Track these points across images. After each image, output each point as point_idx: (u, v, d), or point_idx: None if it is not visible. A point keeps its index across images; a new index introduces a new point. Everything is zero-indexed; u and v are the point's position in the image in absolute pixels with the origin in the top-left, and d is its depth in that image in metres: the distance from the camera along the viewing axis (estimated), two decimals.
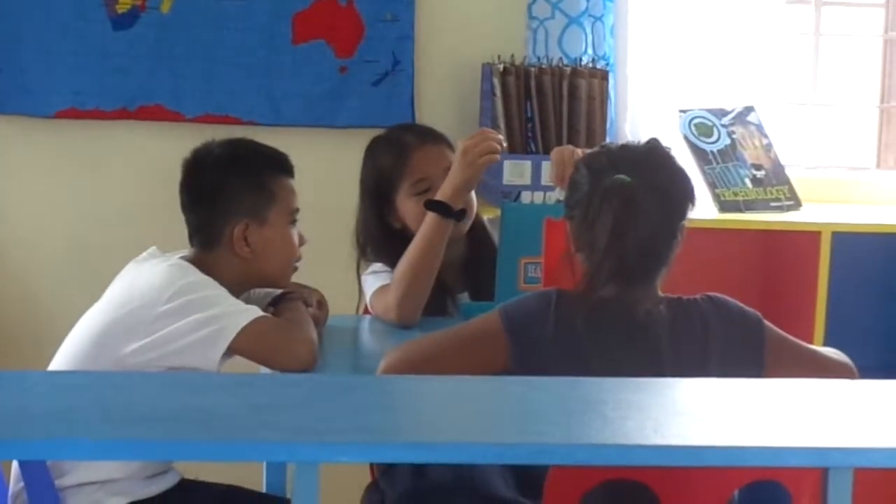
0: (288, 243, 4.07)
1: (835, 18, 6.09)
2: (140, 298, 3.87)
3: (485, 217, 4.72)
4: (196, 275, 3.89)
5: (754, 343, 3.61)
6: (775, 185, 5.67)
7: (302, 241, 4.13)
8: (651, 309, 3.57)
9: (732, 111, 5.75)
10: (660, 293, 3.61)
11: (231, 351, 3.81)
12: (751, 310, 3.66)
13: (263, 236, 4.00)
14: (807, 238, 5.47)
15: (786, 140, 5.85)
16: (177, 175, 5.32)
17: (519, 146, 5.48)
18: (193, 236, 4.06)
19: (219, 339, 3.79)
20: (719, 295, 3.68)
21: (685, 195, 3.67)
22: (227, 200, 4.00)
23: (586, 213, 3.60)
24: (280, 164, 4.11)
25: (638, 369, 3.41)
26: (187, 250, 4.07)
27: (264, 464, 4.29)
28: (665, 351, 3.52)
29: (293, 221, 4.09)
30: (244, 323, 3.81)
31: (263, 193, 4.01)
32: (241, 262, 3.98)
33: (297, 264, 4.15)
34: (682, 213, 3.64)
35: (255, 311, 3.88)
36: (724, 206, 5.55)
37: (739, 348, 3.61)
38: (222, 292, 3.88)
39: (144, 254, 4.07)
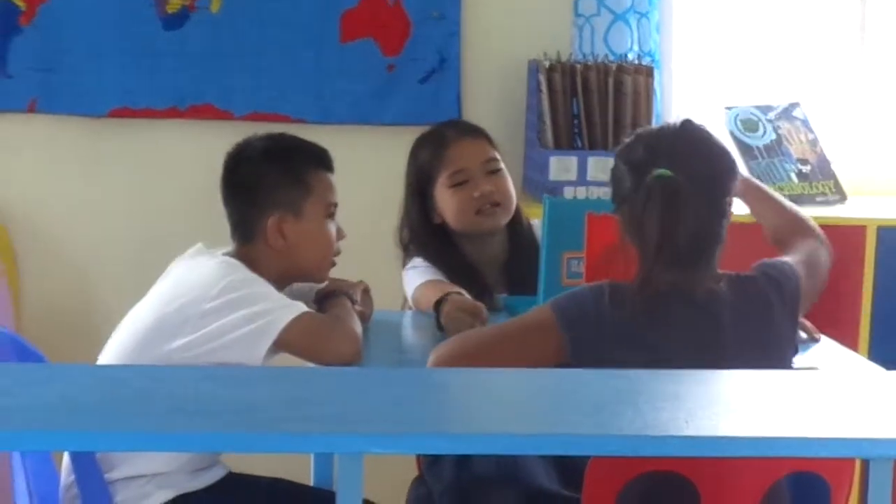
0: (324, 237, 4.07)
1: (881, 10, 6.07)
2: (187, 295, 3.90)
3: (534, 220, 4.73)
4: (242, 271, 3.91)
5: (794, 301, 3.68)
6: (821, 180, 5.67)
7: (340, 236, 4.13)
8: (711, 287, 3.59)
9: (778, 107, 5.75)
10: (718, 270, 3.64)
11: (276, 346, 3.83)
12: (789, 271, 3.73)
13: (299, 229, 4.00)
14: (852, 232, 5.47)
15: (832, 135, 5.85)
16: None
17: (565, 142, 5.48)
18: (233, 230, 4.08)
19: (264, 335, 3.81)
20: (771, 266, 3.74)
21: (727, 173, 3.68)
22: (264, 193, 4.01)
23: (632, 210, 3.61)
24: (318, 159, 4.11)
25: (701, 349, 3.45)
26: (230, 246, 4.09)
27: (312, 457, 4.33)
28: (727, 327, 3.54)
29: (331, 215, 4.09)
30: (289, 318, 3.82)
31: (299, 186, 4.02)
32: (277, 256, 3.98)
33: (337, 259, 4.14)
34: (728, 190, 3.66)
35: (301, 307, 3.89)
36: None
37: (787, 314, 3.66)
38: (268, 289, 3.90)
39: (191, 250, 4.10)
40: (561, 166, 5.43)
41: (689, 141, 3.70)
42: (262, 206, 4.00)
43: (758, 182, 4.12)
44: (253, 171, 4.07)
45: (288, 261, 4.01)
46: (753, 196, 4.07)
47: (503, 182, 4.63)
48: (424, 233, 4.62)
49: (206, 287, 3.87)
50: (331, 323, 3.98)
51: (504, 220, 4.64)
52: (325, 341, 3.88)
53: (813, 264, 3.83)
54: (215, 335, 3.80)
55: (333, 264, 4.15)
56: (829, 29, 6.03)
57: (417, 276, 4.50)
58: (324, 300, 4.14)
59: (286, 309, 3.86)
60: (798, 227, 3.98)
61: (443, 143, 4.63)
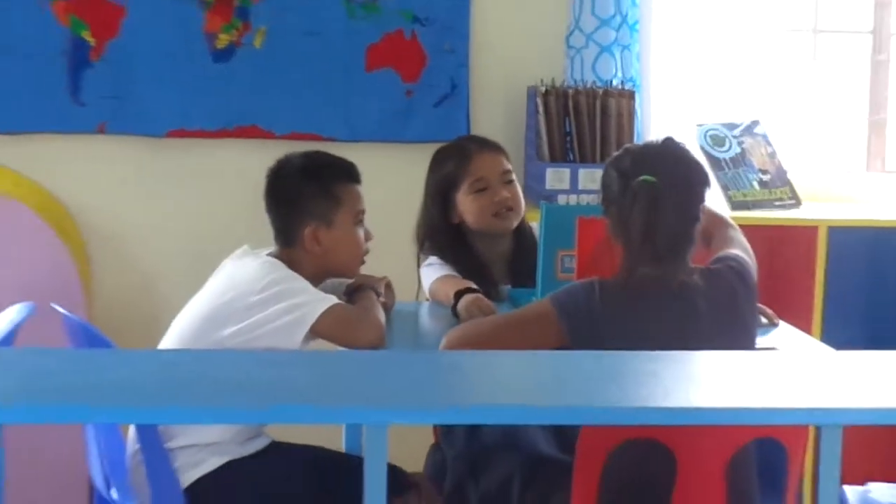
0: (353, 241, 4.14)
1: (831, 40, 6.07)
2: (236, 290, 3.97)
3: (532, 223, 4.74)
4: (282, 269, 3.98)
5: (753, 289, 3.73)
6: (778, 187, 5.67)
7: (368, 238, 4.20)
8: (685, 280, 3.61)
9: (741, 124, 5.75)
10: (691, 265, 3.65)
11: (312, 333, 3.90)
12: (746, 262, 3.77)
13: (331, 236, 4.09)
14: (806, 232, 5.47)
15: (788, 148, 5.84)
16: None
17: (559, 156, 5.48)
18: (276, 235, 4.16)
19: (301, 324, 3.88)
20: (732, 259, 3.77)
21: (701, 183, 3.73)
22: (301, 206, 4.09)
23: (619, 211, 3.64)
24: (348, 173, 4.17)
25: (679, 333, 3.48)
26: (273, 247, 4.15)
27: (343, 427, 4.34)
28: (703, 312, 3.57)
29: (359, 222, 4.16)
30: (322, 309, 3.89)
31: (331, 200, 4.09)
32: (313, 258, 4.07)
33: (366, 257, 4.20)
34: (701, 198, 3.70)
35: (332, 300, 3.96)
36: (735, 206, 5.55)
37: (752, 299, 3.68)
38: (305, 284, 3.97)
39: (238, 251, 4.18)
40: (555, 177, 5.43)
41: (670, 154, 3.73)
42: (300, 217, 4.08)
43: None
44: (291, 186, 4.14)
45: (323, 262, 4.09)
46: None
47: (516, 190, 4.69)
48: (443, 231, 4.66)
49: (251, 283, 3.94)
50: (358, 313, 4.04)
51: (516, 222, 4.69)
52: (353, 329, 3.95)
53: (750, 254, 3.86)
54: (260, 324, 3.87)
55: (363, 262, 4.21)
56: (785, 56, 6.02)
57: (433, 272, 4.53)
58: (353, 293, 4.20)
59: (320, 301, 3.92)
60: (730, 232, 4.00)
61: (466, 155, 4.67)
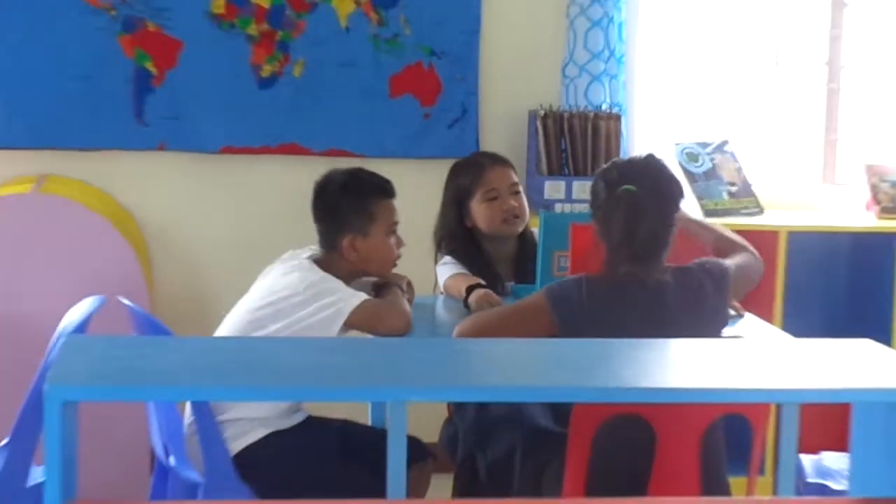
0: (386, 251, 4.18)
1: (790, 73, 6.07)
2: (282, 291, 4.04)
3: (533, 228, 4.74)
4: (319, 273, 4.05)
5: (724, 287, 3.68)
6: (744, 198, 5.66)
7: (399, 245, 4.23)
8: (659, 278, 3.62)
9: (713, 143, 5.74)
10: (665, 265, 3.66)
11: (346, 326, 3.95)
12: (722, 266, 3.74)
13: (367, 245, 4.13)
14: (769, 236, 5.45)
15: (753, 163, 5.83)
16: (308, 195, 5.38)
17: (555, 171, 5.47)
18: (320, 241, 4.20)
19: (336, 318, 3.94)
20: (707, 262, 3.79)
21: (677, 194, 3.76)
22: (341, 219, 4.14)
23: (604, 215, 3.65)
24: (383, 190, 4.21)
25: (651, 323, 3.50)
26: (316, 248, 4.20)
27: (369, 404, 4.34)
28: (671, 307, 3.61)
29: (392, 232, 4.19)
30: (354, 305, 3.96)
31: (367, 215, 4.13)
32: (350, 262, 4.13)
33: (398, 261, 4.25)
34: (676, 207, 3.73)
35: (362, 296, 4.02)
36: (707, 213, 5.52)
37: (718, 296, 3.67)
38: (338, 284, 4.03)
39: (284, 256, 4.24)
40: (553, 188, 5.44)
41: (650, 168, 3.75)
42: (339, 229, 4.13)
43: (691, 216, 4.13)
44: (333, 201, 4.18)
45: (358, 265, 4.15)
46: (694, 225, 4.11)
47: (522, 200, 4.72)
48: (457, 234, 4.68)
49: (295, 286, 4.02)
50: (387, 305, 4.10)
51: (521, 228, 4.74)
52: (382, 320, 4.02)
53: (743, 267, 3.87)
54: (302, 320, 3.94)
55: (395, 265, 4.25)
56: (752, 84, 6.02)
57: (447, 270, 4.56)
58: (380, 289, 4.21)
59: (352, 298, 3.99)
60: (735, 245, 3.99)
61: (481, 168, 4.70)
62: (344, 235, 4.10)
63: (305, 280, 4.02)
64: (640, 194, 3.61)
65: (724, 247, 3.97)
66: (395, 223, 4.23)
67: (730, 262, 3.84)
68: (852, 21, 6.01)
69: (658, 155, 3.91)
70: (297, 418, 4.10)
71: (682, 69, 5.90)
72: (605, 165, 3.84)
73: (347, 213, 4.12)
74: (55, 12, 5.41)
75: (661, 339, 2.96)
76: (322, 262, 4.10)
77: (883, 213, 5.69)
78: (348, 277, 4.10)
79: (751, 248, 3.97)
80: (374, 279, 4.27)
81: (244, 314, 4.09)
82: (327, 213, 4.18)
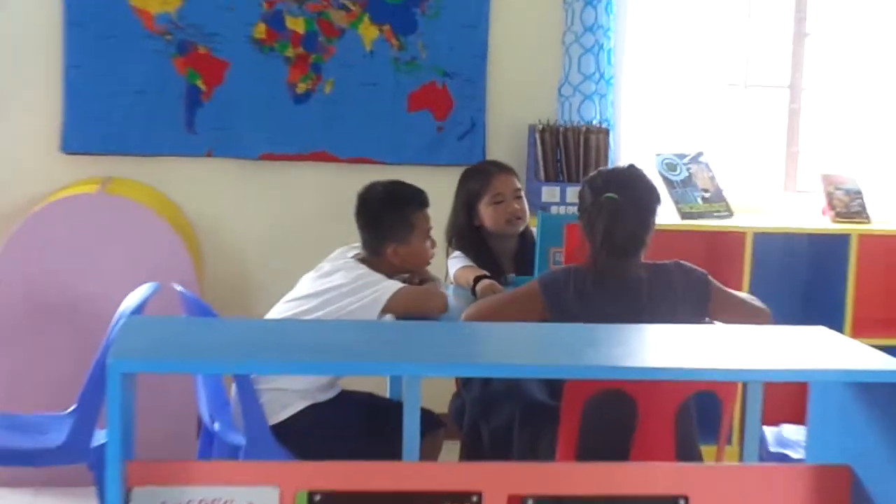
0: (423, 253, 4.22)
1: (758, 94, 6.07)
2: (331, 283, 4.08)
3: (532, 227, 4.75)
4: (364, 268, 4.08)
5: (702, 295, 3.69)
6: (716, 203, 5.65)
7: (433, 246, 4.27)
8: (635, 273, 3.62)
9: (689, 155, 5.73)
10: (642, 261, 3.66)
11: (384, 311, 3.97)
12: (701, 271, 3.72)
13: (407, 252, 4.16)
14: (737, 236, 5.47)
15: (724, 172, 5.83)
16: (337, 196, 5.46)
17: (552, 177, 5.48)
18: (363, 245, 4.20)
19: (376, 304, 3.98)
20: (683, 261, 3.75)
21: (654, 200, 3.76)
22: (383, 231, 4.16)
23: (588, 218, 3.65)
24: (419, 201, 4.23)
25: (627, 311, 3.50)
26: (358, 247, 4.23)
27: (388, 379, 4.34)
28: (645, 301, 3.60)
29: (428, 237, 4.21)
30: (391, 293, 3.98)
31: (406, 226, 4.15)
32: (393, 265, 4.14)
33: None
34: (654, 212, 3.74)
35: (397, 285, 4.04)
36: (683, 216, 5.54)
37: (694, 299, 3.67)
38: (380, 277, 4.06)
39: (333, 254, 4.28)
40: (549, 193, 5.45)
41: (631, 177, 3.75)
42: (383, 238, 4.15)
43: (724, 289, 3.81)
44: (376, 213, 4.18)
45: (398, 266, 4.16)
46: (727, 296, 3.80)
47: (524, 204, 4.75)
48: (466, 232, 4.71)
49: (342, 279, 4.06)
50: (426, 290, 4.17)
51: (522, 227, 4.75)
52: (425, 302, 4.10)
53: (750, 305, 3.78)
54: (347, 307, 3.98)
55: (428, 263, 4.29)
56: (723, 103, 6.02)
57: (457, 262, 4.58)
58: (420, 282, 4.27)
59: (389, 287, 4.01)
60: (755, 305, 3.81)
61: (488, 175, 4.73)
62: (388, 245, 4.12)
63: (352, 274, 4.06)
64: (621, 201, 3.61)
65: (748, 307, 3.81)
66: (430, 229, 4.26)
67: (744, 297, 3.85)
68: (812, 50, 6.01)
69: (639, 165, 3.92)
70: (333, 392, 4.11)
71: (662, 90, 5.91)
72: (591, 174, 3.85)
73: (390, 224, 4.14)
74: (120, 37, 5.42)
75: (642, 325, 2.96)
76: (367, 262, 4.13)
77: (837, 217, 5.69)
78: (389, 274, 4.12)
79: (764, 307, 3.80)
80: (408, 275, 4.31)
81: (295, 302, 4.11)
82: (371, 224, 4.18)
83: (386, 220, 4.15)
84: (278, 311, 4.15)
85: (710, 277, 3.71)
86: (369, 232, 4.18)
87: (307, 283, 4.17)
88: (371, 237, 4.16)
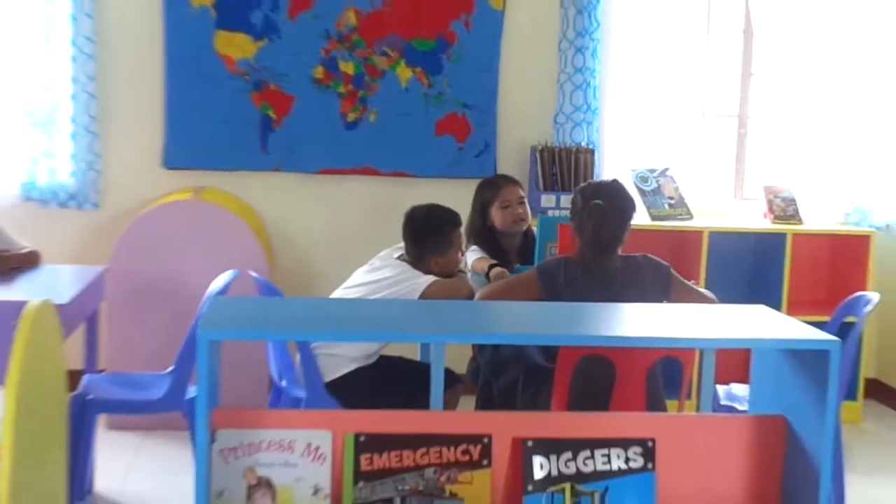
0: (456, 263, 4.20)
1: (713, 121, 6.04)
2: (379, 275, 4.08)
3: (533, 227, 4.75)
4: (405, 265, 4.09)
5: (664, 283, 3.66)
6: (679, 208, 5.61)
7: (462, 253, 4.25)
8: (613, 265, 3.62)
9: (658, 170, 5.69)
10: (619, 255, 3.66)
11: (423, 297, 3.95)
12: (665, 264, 3.70)
13: (445, 262, 4.14)
14: (695, 235, 5.44)
15: (686, 183, 5.80)
16: (379, 203, 5.47)
17: (549, 187, 5.44)
18: (408, 253, 4.17)
19: (414, 294, 3.97)
20: (650, 255, 3.74)
21: (631, 208, 3.75)
22: (426, 247, 4.14)
23: (578, 221, 3.65)
24: (454, 222, 4.21)
25: (604, 295, 3.47)
26: (401, 247, 4.22)
27: (419, 345, 4.35)
28: (619, 287, 3.58)
29: (460, 248, 4.20)
30: (425, 285, 3.98)
31: (445, 244, 4.13)
32: (431, 270, 4.10)
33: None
34: (631, 217, 3.73)
35: (431, 279, 4.02)
36: (653, 218, 5.50)
37: (658, 285, 3.66)
38: (418, 273, 4.06)
39: (382, 253, 4.27)
40: (547, 200, 5.43)
41: (614, 189, 3.75)
42: (425, 252, 4.13)
43: (683, 280, 3.79)
44: (419, 232, 4.15)
45: (436, 272, 4.10)
46: (685, 286, 3.76)
47: (527, 209, 4.77)
48: (481, 231, 4.71)
49: (388, 273, 4.07)
50: (456, 281, 4.11)
51: (525, 227, 4.76)
52: (457, 290, 4.05)
53: (703, 294, 3.76)
54: (390, 295, 3.98)
55: (458, 265, 4.23)
56: (685, 129, 5.99)
57: (474, 254, 4.57)
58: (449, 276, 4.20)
59: (425, 281, 4.00)
60: (703, 294, 3.79)
61: (498, 185, 4.75)
62: (429, 257, 4.11)
63: (396, 269, 4.06)
64: (606, 208, 3.61)
65: (701, 295, 3.78)
66: (462, 242, 4.25)
67: (699, 289, 3.82)
68: (756, 86, 5.97)
69: (619, 179, 3.90)
70: (374, 358, 4.11)
71: (637, 118, 5.86)
72: (581, 185, 3.84)
73: (432, 243, 4.12)
74: (208, 76, 5.44)
75: (619, 303, 2.96)
76: (410, 263, 4.12)
77: (776, 219, 5.66)
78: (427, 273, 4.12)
79: (713, 297, 3.77)
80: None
81: (351, 290, 4.13)
82: (415, 241, 4.15)
83: (429, 239, 4.13)
84: (336, 296, 4.16)
85: (672, 270, 3.70)
86: (414, 246, 4.15)
87: (360, 275, 4.17)
88: (415, 250, 4.14)
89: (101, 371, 4.48)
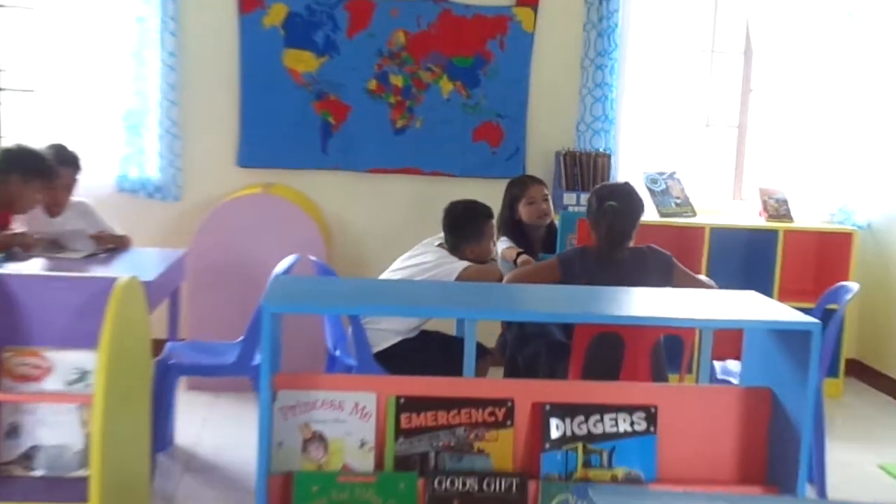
0: (489, 251, 4.16)
1: (717, 132, 5.99)
2: (421, 259, 4.07)
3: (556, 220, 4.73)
4: (444, 252, 4.08)
5: (667, 270, 3.63)
6: (685, 206, 5.57)
7: (493, 243, 4.21)
8: (623, 256, 3.60)
9: (667, 173, 5.65)
10: (629, 246, 3.63)
11: (457, 279, 3.93)
12: (667, 254, 3.67)
13: (479, 250, 4.11)
14: (699, 231, 5.40)
15: (692, 185, 5.76)
16: (422, 198, 5.46)
17: (570, 187, 5.39)
18: (447, 242, 4.15)
19: (450, 277, 3.94)
20: (653, 245, 3.71)
21: (641, 208, 3.70)
22: (463, 237, 4.11)
23: (595, 219, 3.62)
24: (488, 214, 4.19)
25: (615, 279, 3.46)
26: (441, 237, 4.18)
27: (455, 321, 4.34)
28: (627, 274, 3.56)
29: (492, 238, 4.16)
30: (462, 268, 3.97)
31: (480, 234, 4.11)
32: (467, 258, 4.07)
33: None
34: (639, 216, 3.68)
35: (465, 263, 4.01)
36: (662, 215, 5.46)
37: (661, 273, 3.63)
38: (454, 258, 4.04)
39: (425, 241, 4.26)
40: (568, 198, 5.38)
41: (626, 191, 3.72)
42: (462, 242, 4.10)
43: (685, 270, 3.72)
44: (458, 224, 4.13)
45: (472, 259, 4.07)
46: (685, 274, 3.70)
47: (549, 205, 4.75)
48: (510, 224, 4.71)
49: (430, 258, 4.06)
50: (487, 267, 4.07)
51: (548, 221, 4.76)
52: (488, 274, 4.01)
53: (703, 281, 3.71)
54: (430, 278, 3.95)
55: (490, 254, 4.19)
56: (691, 138, 5.95)
57: (504, 244, 4.57)
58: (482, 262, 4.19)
59: (460, 265, 3.99)
60: (702, 281, 3.74)
61: (525, 184, 4.74)
62: (465, 246, 4.09)
63: (435, 255, 4.06)
64: (618, 208, 3.59)
65: (701, 282, 3.75)
66: (494, 232, 4.22)
67: (700, 276, 3.78)
68: (754, 101, 5.91)
69: (631, 181, 3.88)
70: (416, 332, 4.10)
71: (649, 127, 5.82)
72: (597, 186, 3.81)
73: (468, 234, 4.10)
74: (277, 87, 5.46)
75: (627, 287, 2.95)
76: (448, 251, 4.11)
77: (769, 218, 5.62)
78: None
79: (712, 283, 3.73)
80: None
81: (397, 272, 4.13)
82: (453, 232, 4.14)
83: (465, 229, 4.11)
84: (383, 278, 4.17)
85: (673, 259, 3.67)
86: (451, 235, 4.13)
87: (404, 260, 4.17)
88: (453, 239, 4.13)
89: (182, 339, 4.53)
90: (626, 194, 3.66)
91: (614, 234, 3.57)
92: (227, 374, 3.99)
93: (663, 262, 3.64)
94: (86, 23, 5.35)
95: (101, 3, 5.30)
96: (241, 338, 4.01)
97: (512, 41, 5.56)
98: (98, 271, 3.79)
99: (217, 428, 4.48)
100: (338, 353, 3.96)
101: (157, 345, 4.42)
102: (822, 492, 3.85)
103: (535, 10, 5.54)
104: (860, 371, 5.84)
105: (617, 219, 3.57)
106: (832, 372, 5.45)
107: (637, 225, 3.65)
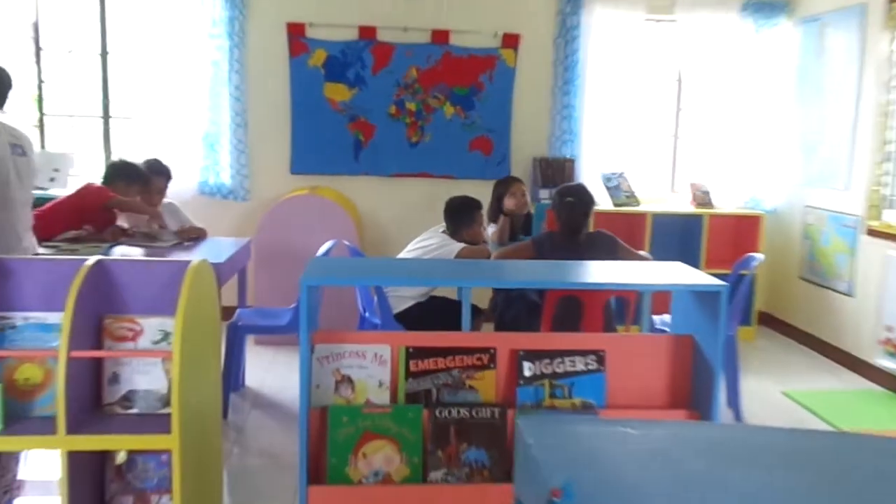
0: (481, 234, 4.06)
1: (654, 138, 5.91)
2: (427, 242, 4.00)
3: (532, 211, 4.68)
4: (446, 237, 3.99)
5: (612, 248, 3.57)
6: (632, 198, 5.52)
7: (484, 228, 4.13)
8: (581, 237, 3.55)
9: (618, 172, 5.61)
10: (584, 232, 3.58)
11: (456, 257, 3.86)
12: (611, 235, 3.61)
13: (472, 233, 4.02)
14: (642, 217, 5.36)
15: (636, 181, 5.71)
16: (432, 196, 5.39)
17: (545, 184, 5.38)
18: (448, 228, 4.07)
19: (451, 255, 3.88)
20: (602, 230, 3.65)
21: (592, 202, 3.63)
22: (461, 223, 4.02)
23: (557, 211, 3.58)
24: (478, 206, 4.09)
25: (575, 257, 3.42)
26: (444, 226, 4.09)
27: (456, 288, 4.30)
28: (586, 250, 3.50)
29: (481, 224, 4.07)
30: (459, 248, 3.89)
31: (473, 219, 4.02)
32: (464, 239, 3.99)
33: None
34: (591, 208, 3.61)
35: (463, 245, 3.93)
36: (615, 205, 5.42)
37: (608, 250, 3.57)
38: (454, 241, 3.96)
39: (431, 229, 4.17)
40: (543, 193, 5.35)
41: (580, 190, 3.65)
42: (460, 226, 4.01)
43: (629, 248, 3.64)
44: (457, 213, 4.04)
45: (468, 241, 4.00)
46: (625, 249, 3.66)
47: (527, 199, 4.69)
48: (497, 213, 4.63)
49: (435, 241, 3.98)
50: (476, 249, 3.98)
51: (526, 211, 4.70)
52: (481, 253, 3.92)
53: (643, 255, 3.63)
54: (435, 257, 3.87)
55: (482, 237, 4.11)
56: (637, 145, 5.88)
57: (492, 229, 4.52)
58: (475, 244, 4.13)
59: (457, 246, 3.92)
60: (640, 255, 3.69)
61: (509, 183, 4.68)
62: (462, 229, 4.03)
63: (439, 238, 4.00)
64: (573, 202, 3.55)
65: (639, 256, 3.73)
66: (483, 220, 4.17)
67: (639, 252, 3.68)
68: (684, 116, 5.83)
69: (591, 180, 3.83)
70: (426, 297, 4.06)
71: (604, 139, 5.74)
72: (559, 187, 3.77)
73: (464, 220, 4.04)
74: (319, 111, 5.42)
75: (584, 262, 2.92)
76: (449, 235, 4.06)
77: (697, 206, 5.58)
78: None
79: (649, 256, 3.67)
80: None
81: (410, 253, 4.09)
82: (452, 219, 4.07)
83: (463, 217, 4.06)
84: (400, 257, 4.14)
85: (617, 239, 3.62)
86: (451, 223, 4.08)
87: (415, 243, 4.15)
88: (453, 225, 4.07)
89: (249, 306, 4.53)
90: (579, 193, 3.62)
91: (571, 223, 3.54)
92: (282, 333, 3.99)
93: (610, 242, 3.62)
94: (174, 65, 5.34)
95: (184, 51, 5.29)
96: (294, 305, 4.00)
97: (498, 74, 5.51)
98: (181, 256, 3.79)
99: (277, 374, 4.49)
100: (367, 314, 3.95)
101: (230, 311, 4.44)
102: (737, 414, 3.83)
103: (516, 51, 5.50)
104: (769, 320, 5.80)
105: (573, 211, 3.53)
106: (746, 321, 5.41)
107: (590, 214, 3.61)
